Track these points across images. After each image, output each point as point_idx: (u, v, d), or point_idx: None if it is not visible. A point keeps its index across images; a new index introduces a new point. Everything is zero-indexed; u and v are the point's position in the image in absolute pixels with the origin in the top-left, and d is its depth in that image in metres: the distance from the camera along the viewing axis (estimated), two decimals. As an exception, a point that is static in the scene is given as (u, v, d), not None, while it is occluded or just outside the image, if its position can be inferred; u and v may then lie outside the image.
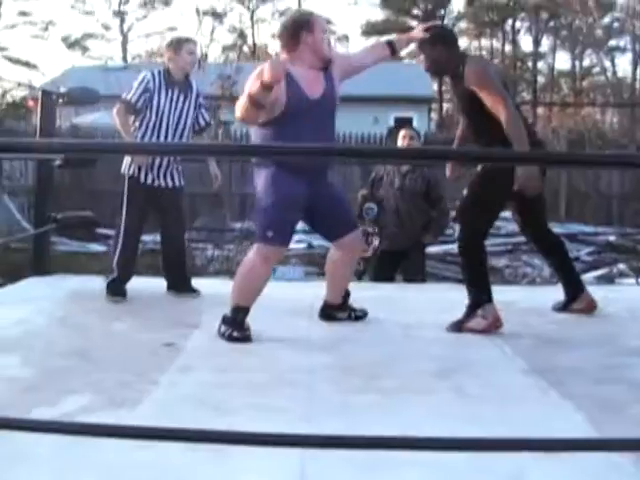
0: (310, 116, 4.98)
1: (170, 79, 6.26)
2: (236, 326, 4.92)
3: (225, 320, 4.97)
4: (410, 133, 7.98)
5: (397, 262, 8.00)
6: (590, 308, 5.74)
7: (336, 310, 5.54)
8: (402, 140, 7.89)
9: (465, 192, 5.45)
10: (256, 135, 5.16)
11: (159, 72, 6.31)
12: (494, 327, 5.15)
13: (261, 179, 5.11)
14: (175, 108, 6.26)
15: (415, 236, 7.84)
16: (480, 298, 5.22)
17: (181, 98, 6.30)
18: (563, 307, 5.79)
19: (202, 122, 6.53)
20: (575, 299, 5.75)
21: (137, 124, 6.26)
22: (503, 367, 4.47)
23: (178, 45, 6.30)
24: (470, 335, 5.09)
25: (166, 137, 6.23)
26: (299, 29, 5.08)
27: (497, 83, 5.21)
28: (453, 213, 5.60)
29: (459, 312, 5.27)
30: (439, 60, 5.37)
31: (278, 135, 4.92)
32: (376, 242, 7.92)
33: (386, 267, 7.98)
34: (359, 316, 5.56)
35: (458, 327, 5.21)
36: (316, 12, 5.41)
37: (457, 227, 5.47)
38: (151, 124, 6.23)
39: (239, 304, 4.99)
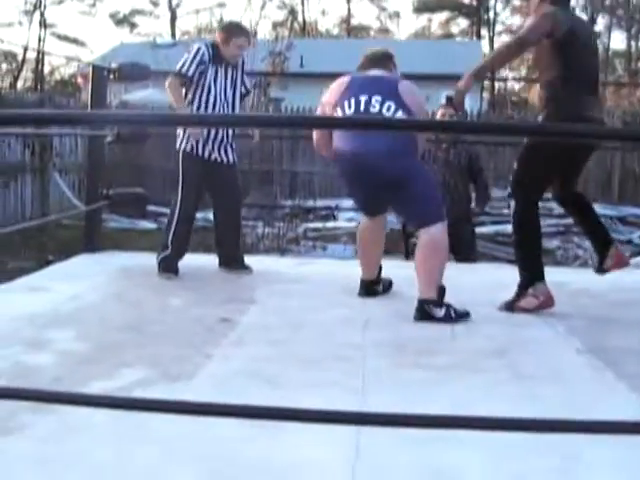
0: None
1: (221, 56, 6.26)
2: (451, 305, 5.00)
3: (436, 304, 4.97)
4: (448, 111, 8.02)
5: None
6: (620, 262, 5.52)
7: (375, 284, 5.67)
8: (441, 115, 7.92)
9: (515, 165, 5.39)
10: None
11: (212, 45, 6.30)
12: (546, 306, 5.10)
13: (410, 163, 5.26)
14: (225, 82, 6.27)
15: (463, 208, 7.87)
16: (532, 277, 5.16)
17: (230, 72, 6.31)
18: (598, 268, 5.58)
19: (244, 90, 6.52)
20: (605, 256, 5.52)
21: (190, 97, 6.26)
22: (557, 346, 4.45)
23: (228, 36, 6.26)
24: (523, 314, 5.06)
25: (220, 109, 6.23)
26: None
27: None
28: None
29: (511, 292, 5.24)
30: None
31: None
32: None
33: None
34: (387, 288, 5.76)
35: (510, 306, 5.18)
36: None
37: (512, 203, 5.34)
38: (204, 97, 6.21)
39: (438, 284, 5.06)
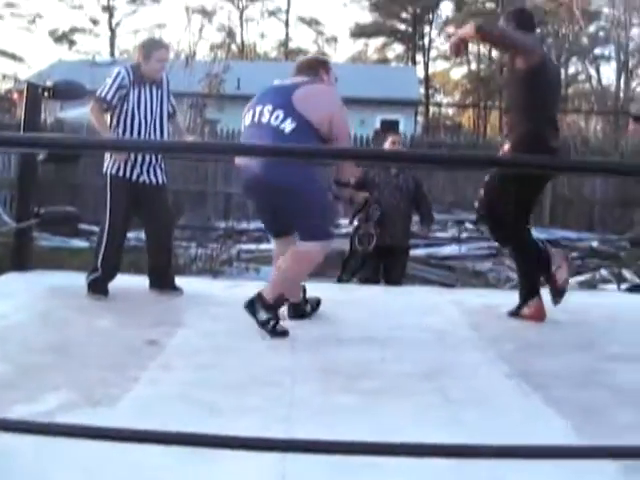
0: None
1: (142, 75, 6.20)
2: (278, 318, 5.01)
3: (268, 307, 4.96)
4: (398, 138, 8.32)
5: (384, 260, 8.20)
6: (537, 316, 5.65)
7: (302, 305, 5.60)
8: (391, 145, 8.16)
9: (481, 192, 5.54)
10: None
11: (132, 67, 6.25)
12: (536, 317, 5.51)
13: (302, 179, 5.10)
14: (150, 102, 6.21)
15: (407, 233, 8.17)
16: (530, 289, 5.55)
17: (154, 91, 6.25)
18: (515, 311, 5.74)
19: (170, 110, 6.46)
20: (526, 303, 5.69)
21: (115, 121, 6.19)
22: (486, 371, 4.45)
23: (148, 51, 6.22)
24: (453, 338, 5.07)
25: (146, 131, 6.18)
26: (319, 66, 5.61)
27: None
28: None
29: (441, 315, 5.26)
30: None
31: None
32: (373, 243, 8.10)
33: (375, 264, 8.17)
34: (315, 307, 5.65)
35: (516, 314, 5.58)
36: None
37: (484, 228, 5.63)
38: (129, 120, 6.15)
39: (284, 294, 5.07)
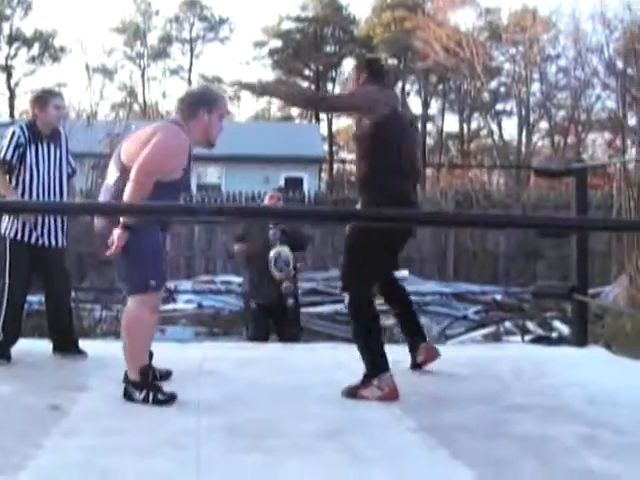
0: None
1: (38, 132, 6.13)
2: (154, 388, 4.80)
3: (137, 386, 4.77)
4: (277, 194, 8.33)
5: (271, 316, 8.21)
6: (431, 356, 5.66)
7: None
8: (269, 200, 8.18)
9: (343, 258, 5.33)
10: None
11: (27, 125, 6.16)
12: (389, 398, 4.97)
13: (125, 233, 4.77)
14: (49, 161, 6.12)
15: (294, 289, 8.18)
16: (375, 367, 5.06)
17: (52, 149, 6.16)
18: (413, 364, 5.72)
19: (69, 170, 6.39)
20: (417, 350, 5.69)
21: (14, 182, 6.09)
22: (392, 426, 4.47)
23: (44, 100, 6.16)
24: (358, 394, 5.08)
25: (45, 191, 6.08)
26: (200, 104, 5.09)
27: None
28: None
29: (347, 372, 5.26)
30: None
31: (160, 198, 4.70)
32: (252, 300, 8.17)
33: (263, 322, 8.16)
34: (164, 376, 5.29)
35: (353, 393, 5.04)
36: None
37: (345, 296, 5.27)
38: (27, 180, 6.05)
39: (142, 364, 4.85)
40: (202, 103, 5.06)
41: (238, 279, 14.20)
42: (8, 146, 6.03)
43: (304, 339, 8.59)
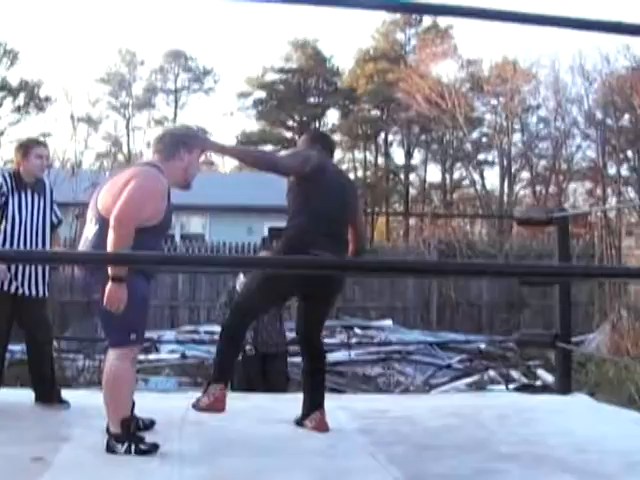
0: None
1: (21, 181, 6.12)
2: (135, 439, 4.74)
3: (119, 438, 4.71)
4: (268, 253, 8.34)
5: (261, 367, 8.16)
6: (322, 427, 5.42)
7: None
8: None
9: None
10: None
11: (10, 175, 6.15)
12: (214, 408, 5.18)
13: (105, 281, 4.65)
14: (32, 210, 6.09)
15: (279, 337, 8.16)
16: (215, 377, 5.26)
17: (35, 199, 6.13)
18: (299, 421, 5.55)
19: (55, 220, 6.37)
20: (309, 415, 5.49)
21: None
22: (377, 476, 4.44)
23: (26, 149, 6.15)
24: (344, 444, 5.06)
25: (27, 240, 6.04)
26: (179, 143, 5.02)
27: None
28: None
29: (331, 421, 5.24)
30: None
31: (142, 244, 4.63)
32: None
33: (252, 371, 8.11)
34: (148, 426, 5.25)
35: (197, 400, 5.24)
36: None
37: (228, 314, 5.64)
38: (9, 228, 6.02)
39: (124, 416, 4.77)
40: (182, 142, 5.00)
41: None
42: None
43: (290, 389, 8.54)
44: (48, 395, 6.18)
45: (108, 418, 4.80)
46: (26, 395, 6.26)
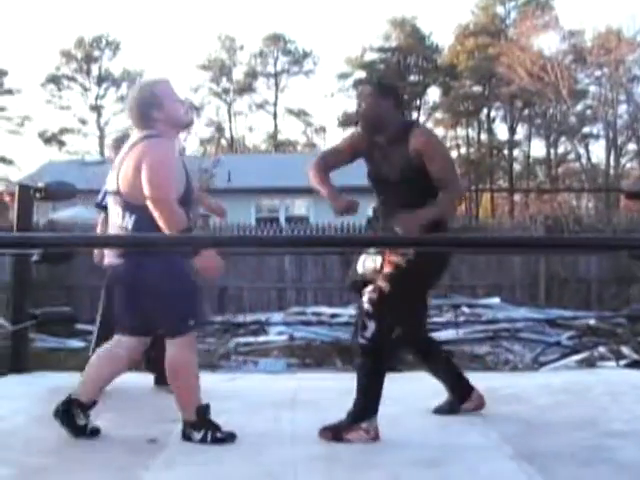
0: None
1: None
2: (212, 427, 4.67)
3: (195, 426, 4.65)
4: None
5: None
6: (481, 404, 5.30)
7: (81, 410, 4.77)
8: None
9: (379, 282, 4.91)
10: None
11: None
12: (372, 441, 4.71)
13: (158, 268, 4.55)
14: None
15: None
16: (368, 409, 4.76)
17: None
18: (450, 409, 5.28)
19: None
20: (466, 399, 5.29)
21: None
22: (490, 453, 4.42)
23: (117, 144, 6.24)
24: (454, 422, 5.03)
25: None
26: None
27: (450, 156, 5.23)
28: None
29: (443, 400, 5.23)
30: (384, 115, 4.93)
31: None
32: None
33: None
34: (93, 432, 4.79)
35: (338, 435, 4.72)
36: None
37: (371, 325, 4.79)
38: None
39: (198, 404, 4.70)
40: (149, 106, 4.71)
41: (330, 310, 14.25)
42: (101, 191, 6.17)
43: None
44: (164, 377, 6.28)
45: (181, 409, 4.73)
46: (138, 378, 6.39)
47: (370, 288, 4.91)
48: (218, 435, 4.65)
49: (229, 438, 4.66)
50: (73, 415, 4.67)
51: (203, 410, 4.70)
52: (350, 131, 5.05)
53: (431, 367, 5.34)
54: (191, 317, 4.72)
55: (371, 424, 4.72)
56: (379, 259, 7.33)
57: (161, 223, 4.43)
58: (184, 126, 5.03)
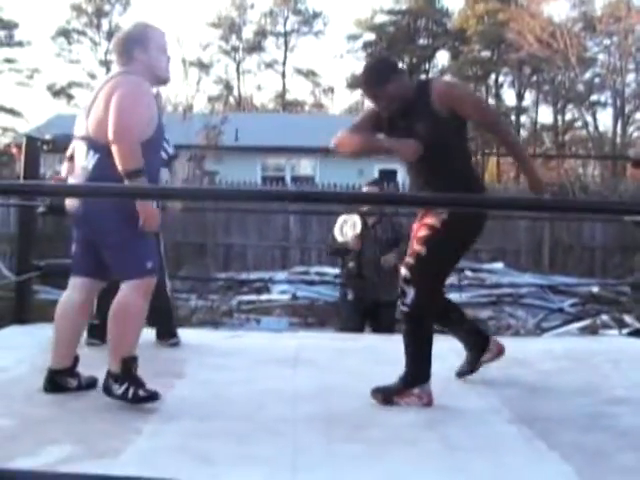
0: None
1: None
2: (136, 382, 4.40)
3: (117, 379, 4.39)
4: (373, 189, 7.98)
5: (370, 313, 7.96)
6: (501, 351, 5.25)
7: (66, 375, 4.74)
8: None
9: (417, 246, 4.78)
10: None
11: None
12: (426, 407, 4.68)
13: (119, 211, 4.41)
14: None
15: (391, 286, 7.92)
16: (419, 375, 4.73)
17: None
18: (470, 369, 5.26)
19: (164, 155, 6.46)
20: (484, 350, 5.25)
21: None
22: (489, 417, 4.43)
23: None
24: (455, 385, 5.05)
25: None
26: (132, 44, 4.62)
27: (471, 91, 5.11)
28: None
29: (442, 363, 5.23)
30: (399, 92, 4.78)
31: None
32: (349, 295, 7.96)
33: (359, 318, 7.96)
34: (90, 384, 4.78)
35: (388, 398, 4.68)
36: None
37: (410, 291, 4.71)
38: None
39: (130, 355, 4.43)
40: (134, 43, 4.60)
41: (333, 270, 14.24)
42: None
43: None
44: (167, 333, 6.31)
45: (110, 355, 4.45)
46: (143, 333, 6.40)
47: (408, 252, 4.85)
48: (140, 393, 4.38)
49: (151, 398, 4.40)
50: (61, 384, 4.65)
51: (130, 364, 4.42)
52: (358, 93, 4.98)
53: (448, 326, 5.29)
54: (148, 259, 4.53)
55: (423, 390, 4.71)
56: (358, 224, 7.28)
57: (116, 156, 4.29)
58: (161, 79, 4.80)
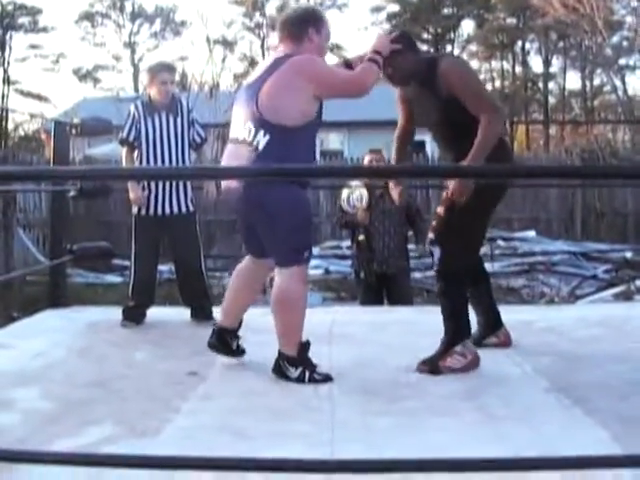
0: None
1: (153, 105, 6.31)
2: (310, 366, 4.59)
3: (293, 362, 4.57)
4: (377, 157, 7.90)
5: (385, 285, 7.96)
6: (506, 343, 5.29)
7: (230, 335, 5.03)
8: (367, 164, 7.76)
9: (440, 209, 4.88)
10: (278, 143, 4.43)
11: (142, 101, 6.40)
12: (473, 365, 4.76)
13: (282, 197, 4.44)
14: (165, 132, 6.27)
15: (403, 259, 7.91)
16: (460, 334, 4.80)
17: (170, 120, 6.30)
18: (478, 341, 5.19)
19: (197, 139, 6.47)
20: (493, 333, 5.30)
21: (138, 157, 6.29)
22: (526, 386, 4.43)
23: (151, 75, 6.33)
24: (491, 355, 5.03)
25: (165, 161, 6.23)
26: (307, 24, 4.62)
27: (478, 80, 5.10)
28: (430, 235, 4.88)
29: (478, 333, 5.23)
30: (408, 66, 4.84)
31: (302, 140, 4.50)
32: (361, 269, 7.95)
33: (376, 290, 7.95)
34: (242, 351, 5.07)
35: (434, 365, 4.72)
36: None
37: (436, 250, 4.83)
38: (145, 153, 6.25)
39: (299, 340, 4.61)
40: (308, 24, 4.60)
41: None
42: (126, 124, 6.30)
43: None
44: (200, 311, 6.34)
45: (281, 340, 4.63)
46: (178, 312, 6.45)
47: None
48: (316, 376, 4.55)
49: (326, 379, 4.54)
50: (225, 342, 4.95)
51: (304, 347, 4.62)
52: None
53: (473, 294, 5.22)
54: (305, 248, 4.61)
55: (465, 347, 4.76)
56: (365, 196, 7.25)
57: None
58: None
